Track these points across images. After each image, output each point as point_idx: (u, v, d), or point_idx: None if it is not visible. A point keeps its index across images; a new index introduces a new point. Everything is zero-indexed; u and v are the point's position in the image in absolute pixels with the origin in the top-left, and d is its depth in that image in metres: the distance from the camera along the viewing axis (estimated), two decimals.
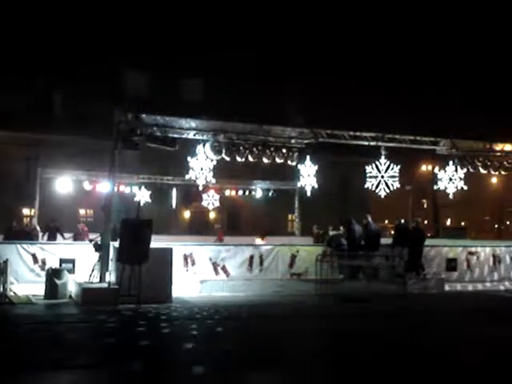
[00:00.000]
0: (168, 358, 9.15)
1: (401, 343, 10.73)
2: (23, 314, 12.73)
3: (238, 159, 17.19)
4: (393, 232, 21.27)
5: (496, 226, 61.49)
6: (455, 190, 19.32)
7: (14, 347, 9.59)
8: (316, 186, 18.59)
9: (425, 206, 61.41)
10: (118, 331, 11.05)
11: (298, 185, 20.46)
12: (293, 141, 17.80)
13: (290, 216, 43.13)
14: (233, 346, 10.01)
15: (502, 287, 19.76)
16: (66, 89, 41.56)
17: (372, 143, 18.18)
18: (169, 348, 10.05)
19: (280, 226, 42.92)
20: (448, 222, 65.26)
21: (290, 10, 60.16)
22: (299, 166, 18.36)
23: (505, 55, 54.86)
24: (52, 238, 22.80)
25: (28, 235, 20.70)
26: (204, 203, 33.11)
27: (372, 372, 8.57)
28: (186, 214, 46.97)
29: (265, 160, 17.50)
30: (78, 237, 22.42)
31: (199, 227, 42.82)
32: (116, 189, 18.80)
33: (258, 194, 33.58)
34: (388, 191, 18.53)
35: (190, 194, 31.94)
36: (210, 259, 17.21)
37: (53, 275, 14.81)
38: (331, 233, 21.17)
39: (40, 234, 22.74)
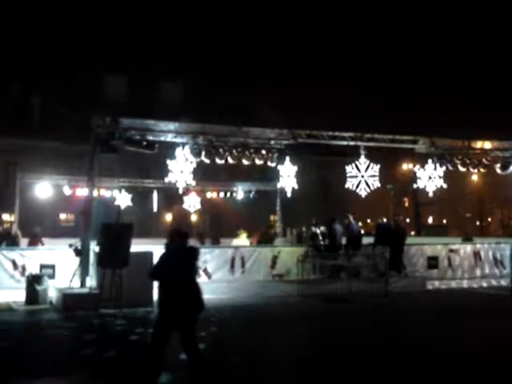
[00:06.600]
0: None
1: (382, 342, 10.80)
2: (3, 320, 12.60)
3: (218, 161, 17.12)
4: (374, 231, 21.33)
5: (478, 223, 61.81)
6: (435, 188, 19.36)
7: None
8: (296, 186, 18.56)
9: (406, 204, 61.64)
10: (97, 337, 10.96)
11: (279, 186, 20.44)
12: (272, 142, 17.73)
13: (272, 217, 43.06)
14: (214, 349, 9.98)
15: (484, 284, 19.87)
16: (44, 93, 41.22)
17: (351, 143, 18.19)
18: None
19: (262, 227, 42.78)
20: (430, 220, 65.64)
21: (271, 8, 60.33)
22: (279, 167, 18.31)
23: (483, 54, 55.36)
24: None
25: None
26: (185, 206, 32.95)
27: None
28: (168, 217, 46.78)
29: (244, 161, 17.45)
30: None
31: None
32: (96, 193, 18.69)
33: (240, 195, 33.47)
34: (368, 191, 18.54)
35: (171, 197, 31.67)
36: None
37: (33, 281, 14.66)
38: (313, 229, 21.28)
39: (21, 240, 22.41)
